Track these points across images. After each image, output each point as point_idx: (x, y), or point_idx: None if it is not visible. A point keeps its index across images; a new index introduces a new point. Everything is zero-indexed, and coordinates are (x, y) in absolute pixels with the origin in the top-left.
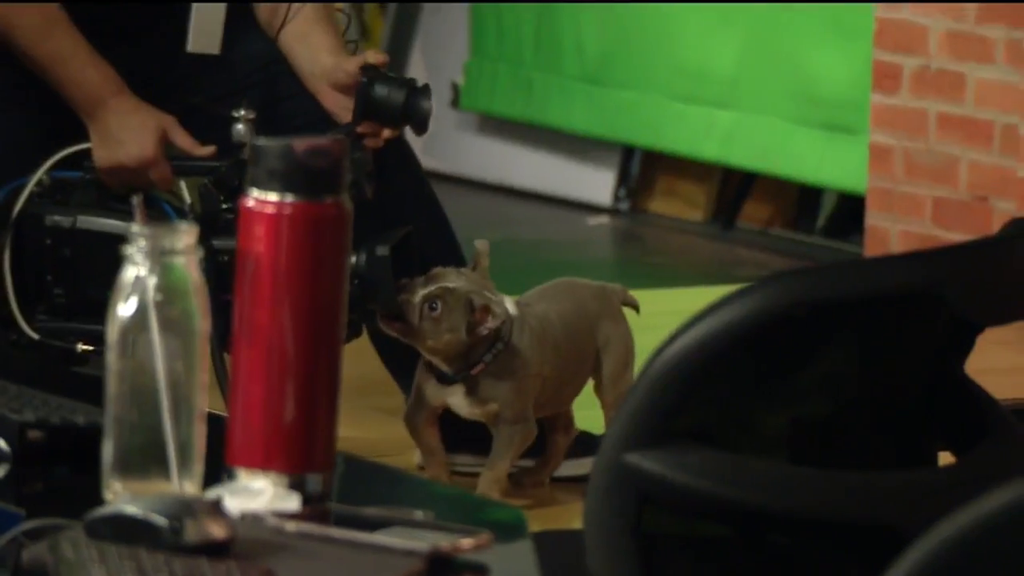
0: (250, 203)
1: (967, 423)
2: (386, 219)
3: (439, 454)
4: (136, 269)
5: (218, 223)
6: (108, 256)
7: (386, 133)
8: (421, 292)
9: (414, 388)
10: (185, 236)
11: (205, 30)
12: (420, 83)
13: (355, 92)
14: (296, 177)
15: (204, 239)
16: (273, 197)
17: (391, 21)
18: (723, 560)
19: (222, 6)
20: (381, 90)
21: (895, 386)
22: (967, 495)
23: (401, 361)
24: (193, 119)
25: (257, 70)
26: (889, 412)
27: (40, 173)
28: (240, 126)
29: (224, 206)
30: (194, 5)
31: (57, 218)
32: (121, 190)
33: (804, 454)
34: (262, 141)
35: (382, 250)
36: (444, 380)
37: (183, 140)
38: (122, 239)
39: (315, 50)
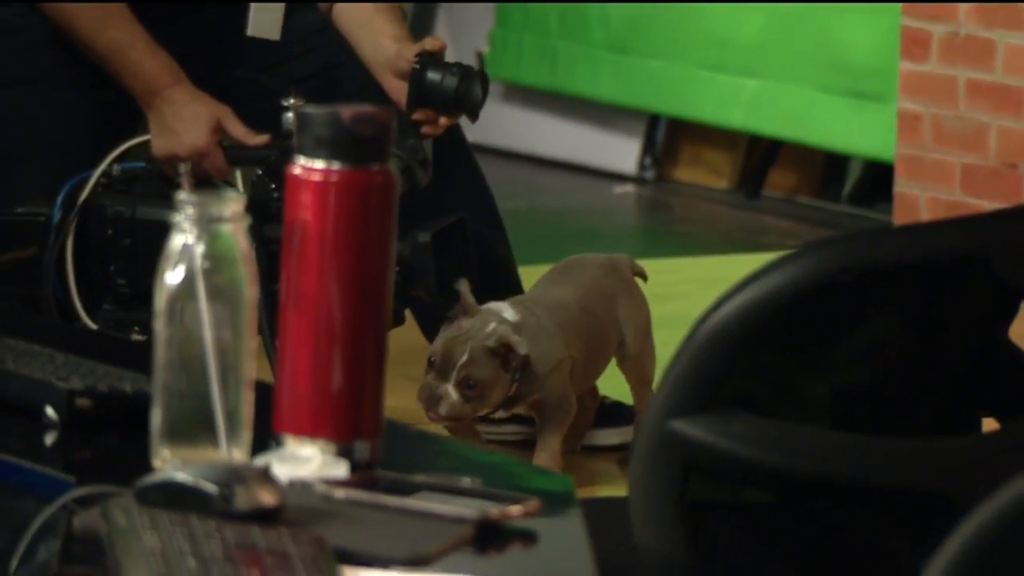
0: (297, 171)
1: (1011, 389)
2: (439, 209)
3: (475, 434)
4: (184, 237)
5: (270, 211)
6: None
7: (443, 121)
8: (451, 388)
9: None
10: (233, 204)
11: (265, 15)
12: (475, 69)
13: (409, 78)
14: (343, 144)
15: (255, 228)
16: (320, 165)
17: None
18: (768, 527)
19: None
20: (434, 76)
21: (939, 352)
22: (1012, 461)
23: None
24: (246, 90)
25: (309, 37)
26: (932, 378)
27: (105, 165)
28: (290, 114)
29: (276, 195)
30: None
31: (118, 208)
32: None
33: (847, 421)
34: (309, 108)
35: (424, 237)
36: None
37: (237, 130)
38: None
39: (378, 37)
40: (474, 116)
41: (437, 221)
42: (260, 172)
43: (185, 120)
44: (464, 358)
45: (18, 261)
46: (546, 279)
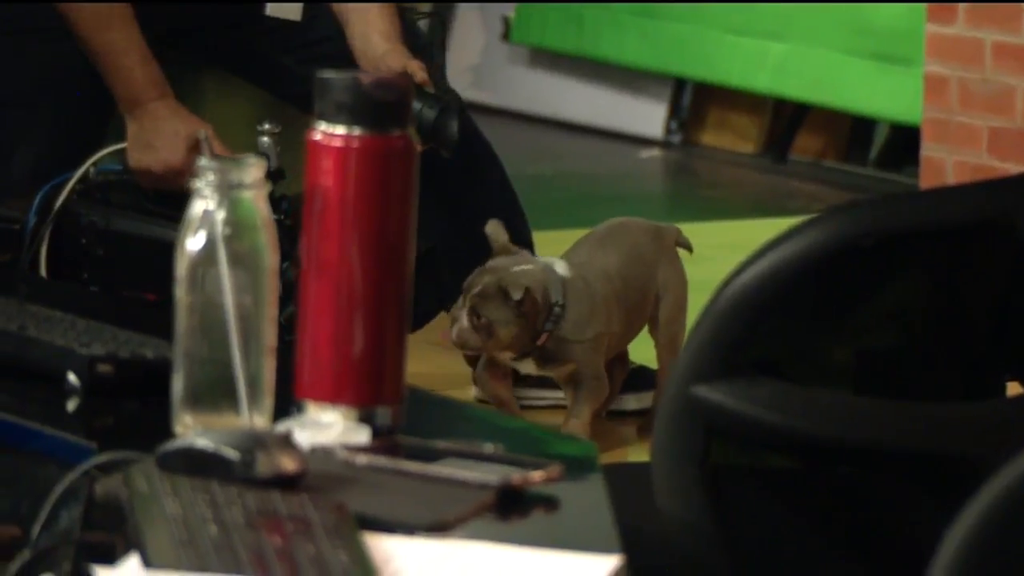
0: (317, 136)
1: None
2: (469, 212)
3: (511, 405)
4: (204, 203)
5: None
6: (140, 258)
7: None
8: (464, 313)
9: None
10: (253, 170)
11: None
12: (455, 104)
13: None
14: (363, 110)
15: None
16: (340, 130)
17: None
18: (790, 491)
19: None
20: (414, 106)
21: (962, 317)
22: None
23: None
24: (266, 67)
25: (329, 22)
26: (956, 343)
27: (81, 171)
28: (265, 139)
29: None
30: None
31: (92, 218)
32: (156, 191)
33: (870, 386)
34: (329, 74)
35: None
36: (511, 357)
37: (218, 149)
38: (154, 243)
39: (369, 29)
40: (447, 149)
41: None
42: None
43: (163, 135)
44: (476, 289)
45: None
46: (589, 242)
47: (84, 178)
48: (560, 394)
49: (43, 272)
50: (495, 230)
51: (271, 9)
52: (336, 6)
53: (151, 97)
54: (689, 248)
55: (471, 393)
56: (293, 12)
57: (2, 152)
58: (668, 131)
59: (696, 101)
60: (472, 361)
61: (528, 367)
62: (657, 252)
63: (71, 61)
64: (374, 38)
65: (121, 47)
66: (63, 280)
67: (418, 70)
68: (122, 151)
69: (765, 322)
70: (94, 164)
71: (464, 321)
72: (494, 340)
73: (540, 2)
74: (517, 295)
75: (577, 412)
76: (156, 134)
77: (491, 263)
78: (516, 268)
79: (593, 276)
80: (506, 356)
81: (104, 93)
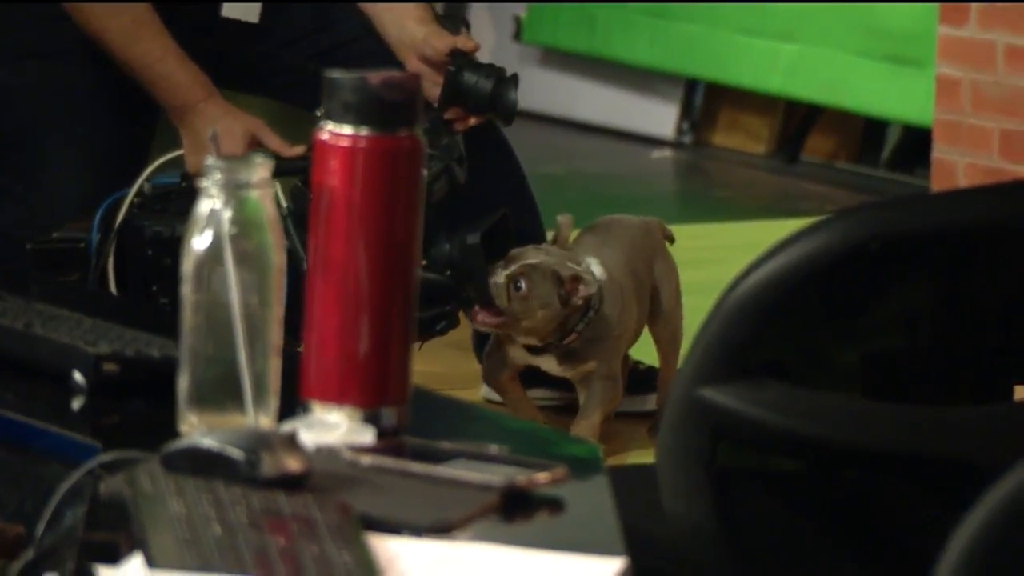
0: (325, 136)
1: None
2: (480, 205)
3: (526, 405)
4: (211, 202)
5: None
6: None
7: (472, 120)
8: (504, 273)
9: (491, 345)
10: (260, 169)
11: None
12: (508, 73)
13: (444, 78)
14: (371, 110)
15: (299, 236)
16: (348, 130)
17: None
18: (797, 494)
19: None
20: (470, 78)
21: (971, 321)
22: None
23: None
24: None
25: (326, 13)
26: (964, 347)
27: (138, 184)
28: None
29: None
30: None
31: (157, 228)
32: None
33: (878, 389)
34: (336, 74)
35: (473, 238)
36: (534, 351)
37: (272, 142)
38: None
39: (403, 18)
40: (507, 119)
41: (482, 220)
42: (299, 182)
43: (219, 135)
44: (529, 260)
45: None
46: (590, 239)
47: (140, 192)
48: (550, 393)
49: (112, 288)
50: (565, 221)
51: (227, 10)
52: (363, 5)
53: (199, 98)
54: (672, 239)
55: (478, 393)
56: (251, 13)
57: (41, 177)
58: (679, 131)
59: (708, 102)
60: (481, 342)
61: (549, 364)
62: (651, 245)
63: (100, 81)
64: (409, 25)
65: (157, 55)
66: (132, 294)
67: (467, 41)
68: (179, 159)
69: (773, 324)
70: (148, 178)
71: (501, 280)
72: (525, 311)
73: (552, 2)
74: (587, 290)
75: (586, 415)
76: None
77: (551, 252)
78: (572, 263)
79: (619, 273)
80: (527, 340)
81: (141, 108)
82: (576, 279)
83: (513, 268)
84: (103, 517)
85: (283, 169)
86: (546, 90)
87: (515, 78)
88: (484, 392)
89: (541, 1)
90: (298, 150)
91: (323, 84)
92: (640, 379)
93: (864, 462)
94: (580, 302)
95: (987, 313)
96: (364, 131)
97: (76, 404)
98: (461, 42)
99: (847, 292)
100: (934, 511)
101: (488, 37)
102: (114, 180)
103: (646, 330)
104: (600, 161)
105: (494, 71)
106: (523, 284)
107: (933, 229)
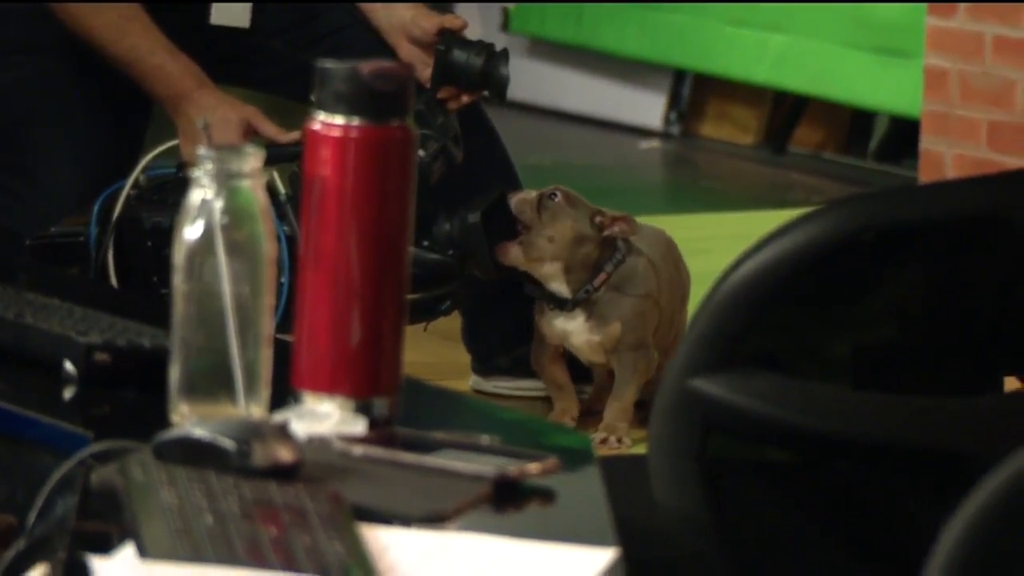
0: (316, 126)
1: None
2: (469, 191)
3: (567, 388)
4: (203, 192)
5: None
6: None
7: (464, 98)
8: (536, 191)
9: (536, 328)
10: (252, 159)
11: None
12: (498, 48)
13: (433, 57)
14: (362, 100)
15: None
16: (339, 120)
17: None
18: (787, 485)
19: None
20: (460, 55)
21: (961, 311)
22: None
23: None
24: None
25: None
26: (955, 338)
27: (133, 176)
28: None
29: None
30: None
31: (156, 219)
32: None
33: (869, 380)
34: (328, 63)
35: (474, 217)
36: (562, 306)
37: (267, 128)
38: None
39: (392, 4)
40: (500, 95)
41: (481, 199)
42: (296, 168)
43: (215, 124)
44: (566, 188)
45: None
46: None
47: (136, 184)
48: (537, 384)
49: (112, 280)
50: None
51: (216, 16)
52: None
53: (191, 87)
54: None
55: (466, 384)
56: (241, 19)
57: (35, 172)
58: (667, 122)
59: (695, 92)
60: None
61: (577, 324)
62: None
63: (91, 74)
64: (398, 9)
65: (146, 48)
66: (133, 286)
67: (455, 19)
68: (174, 149)
69: (764, 315)
70: (144, 169)
71: (532, 194)
72: (553, 226)
73: None
74: (625, 226)
75: (619, 394)
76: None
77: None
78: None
79: (656, 256)
80: (552, 275)
81: (133, 100)
82: (613, 217)
83: (547, 189)
84: (95, 507)
85: (280, 156)
86: (534, 81)
87: (505, 53)
88: (473, 383)
89: None
90: (294, 136)
91: (315, 74)
92: None
93: (855, 452)
94: (615, 232)
95: (977, 304)
96: (356, 121)
97: (67, 394)
98: (449, 20)
99: (838, 283)
100: (924, 501)
101: (476, 28)
102: (109, 173)
103: None
104: (588, 152)
105: (484, 47)
106: (559, 195)
107: (923, 220)
